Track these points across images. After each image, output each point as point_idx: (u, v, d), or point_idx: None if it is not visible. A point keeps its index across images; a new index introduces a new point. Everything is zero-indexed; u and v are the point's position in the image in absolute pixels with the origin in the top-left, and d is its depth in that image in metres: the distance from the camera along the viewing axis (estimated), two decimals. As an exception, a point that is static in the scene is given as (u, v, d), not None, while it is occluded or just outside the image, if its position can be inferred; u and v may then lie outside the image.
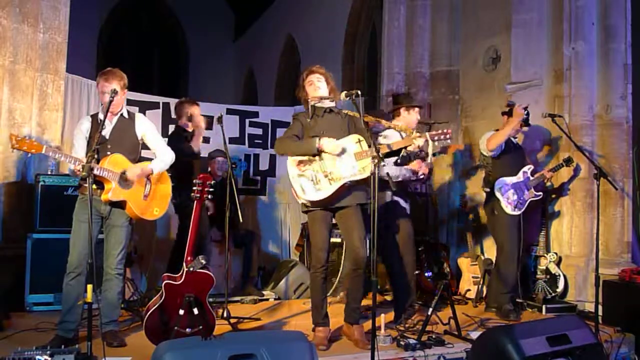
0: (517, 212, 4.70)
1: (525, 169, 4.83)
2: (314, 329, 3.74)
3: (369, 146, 3.52)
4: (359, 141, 3.66)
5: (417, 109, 4.65)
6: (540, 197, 4.85)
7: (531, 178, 4.81)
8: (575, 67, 5.09)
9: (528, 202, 4.76)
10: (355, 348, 3.60)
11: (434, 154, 4.29)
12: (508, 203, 4.68)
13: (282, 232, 6.72)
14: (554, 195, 5.26)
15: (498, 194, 4.69)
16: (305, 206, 3.76)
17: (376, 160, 3.11)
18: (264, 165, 6.54)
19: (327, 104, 3.84)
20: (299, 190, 3.68)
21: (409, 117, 4.58)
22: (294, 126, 3.84)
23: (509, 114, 4.83)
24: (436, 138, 3.79)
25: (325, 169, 3.65)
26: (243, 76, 12.83)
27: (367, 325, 3.78)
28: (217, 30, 13.06)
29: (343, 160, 3.64)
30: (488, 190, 4.81)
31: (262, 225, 6.53)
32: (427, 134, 3.80)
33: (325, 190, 3.62)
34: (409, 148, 3.88)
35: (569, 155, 4.99)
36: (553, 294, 4.96)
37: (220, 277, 4.39)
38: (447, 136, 3.81)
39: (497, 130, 4.78)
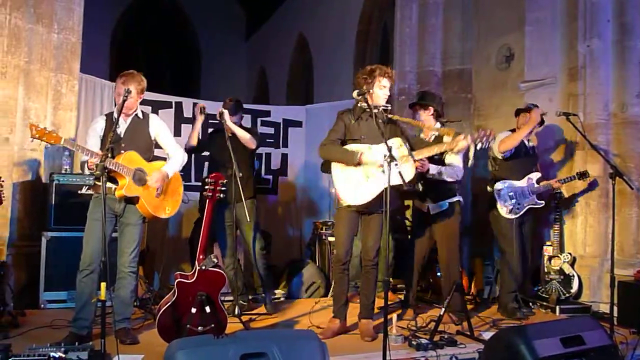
0: (511, 216, 4.68)
1: (531, 175, 4.79)
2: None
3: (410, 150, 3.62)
4: (401, 145, 3.71)
5: (420, 110, 4.60)
6: (542, 205, 4.79)
7: (536, 185, 4.76)
8: (590, 65, 5.03)
9: (526, 208, 4.71)
10: (366, 347, 3.61)
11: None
12: (504, 206, 4.66)
13: (294, 231, 6.73)
14: (566, 196, 5.20)
15: (495, 196, 4.68)
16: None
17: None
18: (275, 164, 6.55)
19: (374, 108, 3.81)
20: (341, 193, 3.79)
21: (416, 116, 4.61)
22: (338, 128, 3.91)
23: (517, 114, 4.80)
24: (478, 140, 3.65)
25: (368, 174, 3.73)
26: (255, 75, 12.85)
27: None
28: (229, 29, 13.10)
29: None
30: (490, 191, 4.79)
31: (273, 225, 6.54)
32: (469, 136, 3.69)
33: (365, 196, 3.71)
34: (452, 151, 3.83)
35: (585, 170, 4.88)
36: (567, 295, 4.91)
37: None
38: (491, 137, 3.65)
39: (512, 130, 4.75)
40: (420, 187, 4.29)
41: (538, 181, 4.79)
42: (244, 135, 4.57)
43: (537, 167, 4.95)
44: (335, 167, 3.84)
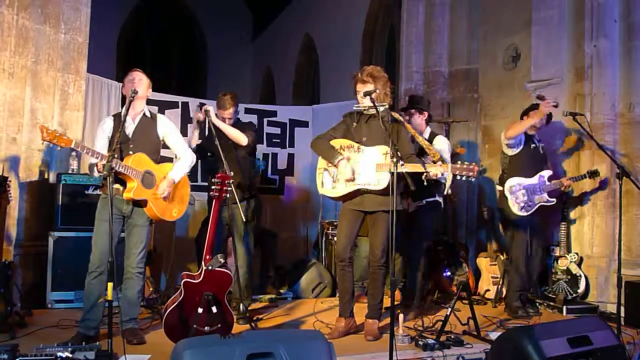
0: (523, 213, 4.64)
1: (542, 172, 4.75)
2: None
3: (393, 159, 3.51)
4: (386, 153, 3.70)
5: (416, 114, 4.68)
6: (553, 203, 4.75)
7: (547, 183, 4.74)
8: (596, 65, 5.01)
9: (538, 205, 4.67)
10: (373, 347, 3.61)
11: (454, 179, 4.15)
12: (516, 203, 4.63)
13: (300, 231, 6.74)
14: (574, 195, 5.18)
15: (507, 193, 4.66)
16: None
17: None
18: (282, 164, 6.56)
19: (373, 110, 3.78)
20: (319, 183, 3.96)
21: (412, 121, 4.63)
22: (339, 127, 4.01)
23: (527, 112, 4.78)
24: (458, 172, 3.59)
25: (338, 179, 3.83)
26: (261, 75, 12.87)
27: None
28: (235, 29, 13.12)
29: (365, 168, 3.76)
30: (501, 189, 4.77)
31: (280, 225, 6.55)
32: (450, 166, 3.63)
33: (339, 190, 3.84)
34: (427, 175, 3.68)
35: (595, 169, 4.86)
36: (574, 295, 4.89)
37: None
38: (471, 173, 3.56)
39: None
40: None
41: (549, 179, 4.77)
42: (230, 133, 4.41)
43: (548, 165, 4.93)
44: (320, 157, 3.98)
